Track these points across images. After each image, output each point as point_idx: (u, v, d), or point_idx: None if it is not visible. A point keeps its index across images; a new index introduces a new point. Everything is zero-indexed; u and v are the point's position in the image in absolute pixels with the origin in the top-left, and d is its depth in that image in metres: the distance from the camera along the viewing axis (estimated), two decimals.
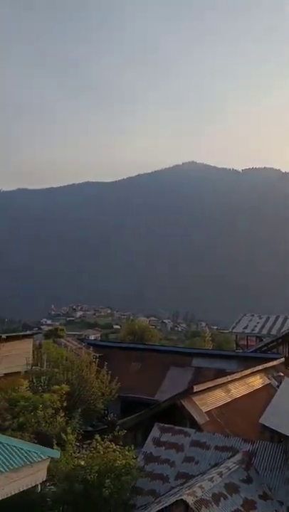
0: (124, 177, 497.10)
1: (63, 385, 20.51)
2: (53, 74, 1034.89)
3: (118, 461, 13.38)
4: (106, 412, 23.89)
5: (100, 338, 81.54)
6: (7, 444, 8.33)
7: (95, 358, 25.07)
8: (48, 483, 12.88)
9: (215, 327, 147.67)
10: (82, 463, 13.53)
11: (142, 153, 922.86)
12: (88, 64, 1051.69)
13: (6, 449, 8.18)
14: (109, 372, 24.19)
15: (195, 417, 18.09)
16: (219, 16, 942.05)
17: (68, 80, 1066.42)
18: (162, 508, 10.92)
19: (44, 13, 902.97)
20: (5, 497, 8.05)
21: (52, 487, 13.51)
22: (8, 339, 25.29)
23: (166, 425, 15.72)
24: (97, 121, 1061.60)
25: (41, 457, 8.61)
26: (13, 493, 8.18)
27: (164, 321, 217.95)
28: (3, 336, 24.47)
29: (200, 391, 19.61)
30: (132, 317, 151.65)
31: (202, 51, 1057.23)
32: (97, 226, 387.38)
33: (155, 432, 15.46)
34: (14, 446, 8.33)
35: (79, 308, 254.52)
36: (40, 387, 21.47)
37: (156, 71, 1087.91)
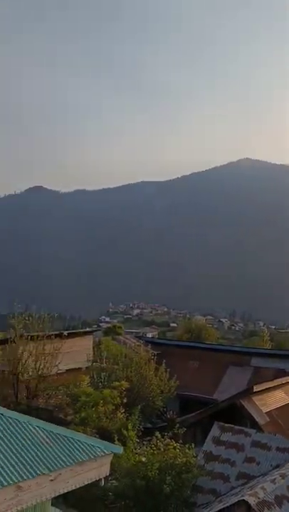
0: (179, 176, 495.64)
1: (123, 382, 20.80)
2: (106, 75, 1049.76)
3: (178, 459, 13.48)
4: (165, 409, 24.01)
5: (157, 336, 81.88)
6: (72, 438, 8.58)
7: (154, 356, 25.25)
8: (110, 478, 13.16)
9: (273, 326, 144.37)
10: (143, 459, 13.71)
11: (196, 151, 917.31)
12: (141, 64, 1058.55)
13: (71, 442, 8.44)
14: (168, 369, 24.28)
15: (255, 417, 17.86)
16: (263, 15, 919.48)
17: (121, 80, 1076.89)
18: (223, 508, 10.88)
19: (92, 13, 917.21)
20: (70, 489, 8.30)
21: (114, 482, 13.80)
22: (70, 336, 25.94)
23: (226, 424, 15.61)
24: (150, 120, 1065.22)
25: (104, 452, 8.81)
26: (78, 486, 8.42)
27: (221, 320, 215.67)
28: (65, 332, 25.12)
29: (260, 391, 19.32)
30: (188, 316, 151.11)
31: (256, 49, 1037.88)
32: (153, 225, 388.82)
33: (215, 431, 15.39)
34: (78, 440, 8.58)
35: (136, 306, 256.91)
36: (100, 383, 21.91)
37: (210, 70, 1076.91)
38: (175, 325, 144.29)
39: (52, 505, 9.02)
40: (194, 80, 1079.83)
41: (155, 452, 13.89)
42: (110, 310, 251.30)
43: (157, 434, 14.86)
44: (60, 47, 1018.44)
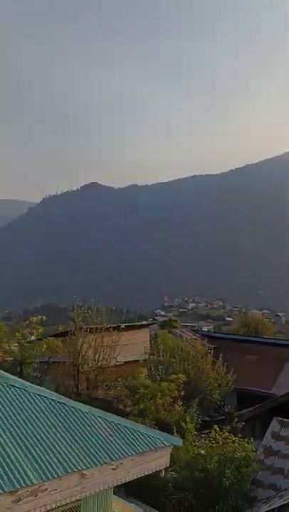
0: (232, 168, 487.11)
1: (180, 375, 20.86)
2: (162, 72, 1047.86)
3: (238, 453, 13.39)
4: (222, 403, 23.87)
5: (212, 330, 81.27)
6: (132, 429, 8.73)
7: (210, 350, 25.14)
8: (169, 469, 13.29)
9: None
10: (202, 452, 13.74)
11: (248, 142, 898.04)
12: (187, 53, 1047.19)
13: (132, 433, 8.58)
14: (225, 363, 24.11)
15: None
16: None
17: (166, 69, 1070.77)
18: (285, 504, 10.72)
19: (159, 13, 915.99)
20: (131, 479, 8.45)
21: (173, 473, 13.92)
22: (127, 329, 26.30)
23: (285, 419, 15.33)
24: (199, 113, 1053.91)
25: (164, 444, 8.89)
26: (138, 476, 8.57)
27: (278, 314, 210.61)
28: (122, 325, 25.49)
29: None
30: (244, 310, 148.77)
31: None
32: (205, 220, 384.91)
33: (274, 426, 15.15)
34: (139, 431, 8.71)
35: (191, 300, 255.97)
36: (158, 376, 22.07)
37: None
38: (231, 319, 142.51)
39: (113, 493, 9.24)
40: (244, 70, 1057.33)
41: (214, 445, 13.87)
42: (165, 304, 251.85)
43: (215, 427, 14.82)
44: (120, 47, 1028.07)
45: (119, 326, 24.99)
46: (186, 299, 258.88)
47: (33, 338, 23.02)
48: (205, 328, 76.13)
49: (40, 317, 23.87)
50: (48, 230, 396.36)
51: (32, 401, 7.81)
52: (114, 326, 24.73)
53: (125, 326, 26.40)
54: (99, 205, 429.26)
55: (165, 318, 63.66)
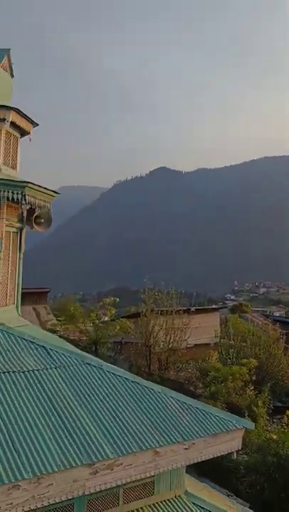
0: None
1: (251, 359, 20.66)
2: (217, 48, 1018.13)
3: None
4: None
5: (284, 315, 79.28)
6: (204, 411, 8.78)
7: (282, 335, 24.60)
8: (241, 452, 13.30)
9: None
10: (275, 437, 13.61)
11: None
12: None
13: (204, 414, 8.63)
14: None
15: None
16: None
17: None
18: None
19: None
20: (203, 459, 8.53)
21: (245, 456, 13.92)
22: (197, 312, 26.34)
23: None
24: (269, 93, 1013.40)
25: (236, 426, 8.86)
26: (210, 456, 8.62)
27: None
28: (193, 308, 25.57)
29: None
30: None
31: None
32: (275, 201, 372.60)
33: None
34: (211, 413, 8.74)
35: (262, 284, 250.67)
36: (228, 360, 22.01)
37: None
38: None
39: (186, 472, 9.40)
40: None
41: (286, 431, 13.70)
42: (236, 288, 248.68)
43: (288, 412, 14.61)
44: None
45: (190, 309, 25.07)
46: (256, 283, 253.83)
47: (106, 318, 23.74)
48: (276, 313, 74.45)
49: (113, 299, 24.51)
50: (118, 214, 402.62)
51: (107, 379, 8.09)
52: (185, 309, 24.82)
53: (195, 310, 26.45)
54: (167, 190, 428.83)
55: (235, 303, 62.99)
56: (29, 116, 9.77)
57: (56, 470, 6.02)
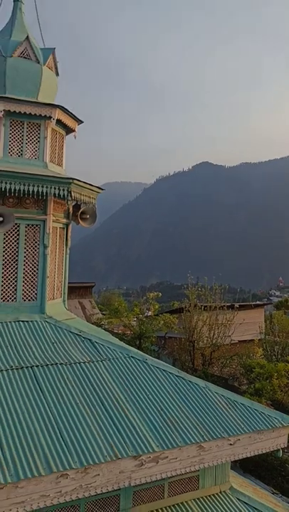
0: None
1: None
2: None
3: None
4: None
5: None
6: (249, 407, 8.71)
7: None
8: (286, 450, 13.11)
9: None
10: None
11: None
12: None
13: (249, 411, 8.57)
14: None
15: None
16: None
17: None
18: None
19: None
20: (247, 456, 8.48)
21: None
22: (241, 308, 26.05)
23: None
24: None
25: (282, 423, 8.75)
26: (255, 453, 8.56)
27: None
28: (236, 304, 25.31)
29: None
30: None
31: None
32: None
33: None
34: (256, 410, 8.66)
35: None
36: (273, 356, 21.68)
37: None
38: None
39: (230, 468, 9.37)
40: None
41: None
42: (281, 284, 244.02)
43: None
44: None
45: (234, 305, 24.82)
46: None
47: (150, 313, 23.89)
48: None
49: (156, 293, 24.62)
50: (161, 210, 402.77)
51: (151, 373, 8.16)
52: (229, 304, 24.61)
53: (239, 305, 26.16)
54: (210, 185, 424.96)
55: (280, 299, 61.82)
56: (74, 114, 9.93)
57: (103, 461, 6.15)
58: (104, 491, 6.22)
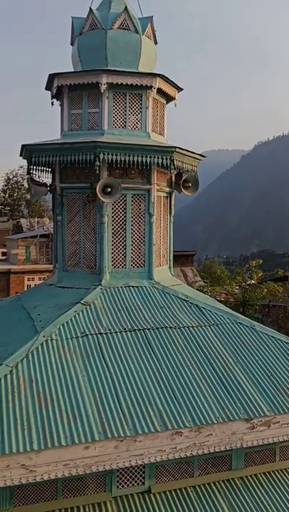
0: None
1: None
2: None
3: None
4: None
5: None
6: None
7: None
8: None
9: None
10: None
11: None
12: None
13: None
14: None
15: None
16: None
17: None
18: None
19: None
20: None
21: None
22: None
23: None
24: None
25: None
26: None
27: None
28: None
29: None
30: None
31: None
32: None
33: None
34: None
35: None
36: None
37: None
38: None
39: None
40: None
41: None
42: None
43: None
44: None
45: None
46: None
47: (252, 281, 23.56)
48: None
49: (258, 261, 24.19)
50: (260, 176, 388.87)
51: (260, 339, 8.11)
52: None
53: None
54: None
55: None
56: (174, 82, 9.86)
57: (215, 422, 6.32)
58: (216, 451, 6.41)
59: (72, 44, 9.98)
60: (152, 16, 9.88)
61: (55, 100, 10.02)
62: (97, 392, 6.36)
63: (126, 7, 9.46)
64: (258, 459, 6.92)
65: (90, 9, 9.48)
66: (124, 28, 9.40)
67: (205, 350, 7.56)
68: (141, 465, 6.16)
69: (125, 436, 5.85)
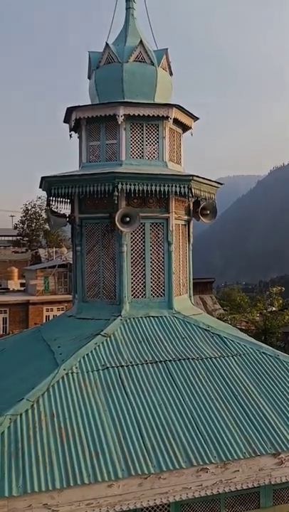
0: None
1: None
2: None
3: None
4: None
5: None
6: None
7: None
8: None
9: None
10: None
11: None
12: None
13: None
14: None
15: None
16: None
17: None
18: None
19: None
20: None
21: None
22: None
23: None
24: None
25: None
26: None
27: None
28: None
29: None
30: None
31: None
32: None
33: None
34: None
35: None
36: None
37: None
38: None
39: None
40: None
41: None
42: None
43: None
44: None
45: None
46: None
47: (273, 308, 23.18)
48: None
49: (279, 287, 23.84)
50: (277, 202, 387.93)
51: (285, 369, 7.87)
52: None
53: None
54: None
55: None
56: (190, 112, 9.95)
57: (242, 457, 6.09)
58: (244, 488, 6.15)
59: (89, 78, 10.19)
60: (167, 48, 10.06)
61: (73, 133, 10.18)
62: (120, 427, 6.20)
63: (141, 40, 9.65)
64: (287, 496, 6.63)
65: (107, 44, 9.70)
66: (140, 61, 9.57)
67: (228, 381, 7.36)
68: (166, 503, 5.94)
69: (149, 474, 5.67)
